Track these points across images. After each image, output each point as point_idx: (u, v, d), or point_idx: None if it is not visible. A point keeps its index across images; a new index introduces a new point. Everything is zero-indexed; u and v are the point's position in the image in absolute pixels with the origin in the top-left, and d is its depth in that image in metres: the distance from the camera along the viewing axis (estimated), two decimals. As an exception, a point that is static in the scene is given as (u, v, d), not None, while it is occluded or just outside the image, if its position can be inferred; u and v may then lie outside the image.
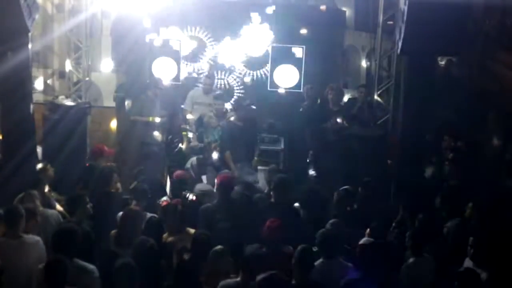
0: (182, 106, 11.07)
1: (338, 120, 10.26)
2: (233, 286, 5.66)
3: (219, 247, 6.07)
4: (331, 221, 6.73)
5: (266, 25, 11.47)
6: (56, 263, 5.35)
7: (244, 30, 11.55)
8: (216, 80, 11.75)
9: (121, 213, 7.24)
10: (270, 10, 11.48)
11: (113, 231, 6.70)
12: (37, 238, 6.18)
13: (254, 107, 10.42)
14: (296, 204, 7.58)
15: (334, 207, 7.58)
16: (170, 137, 10.14)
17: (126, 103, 11.02)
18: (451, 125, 10.17)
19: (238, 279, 5.68)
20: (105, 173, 8.22)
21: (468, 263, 6.06)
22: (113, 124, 11.52)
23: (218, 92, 11.01)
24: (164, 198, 7.98)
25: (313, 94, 11.02)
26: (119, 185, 8.30)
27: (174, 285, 5.67)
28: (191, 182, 8.48)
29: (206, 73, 11.46)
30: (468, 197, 7.37)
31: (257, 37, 11.52)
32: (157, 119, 10.15)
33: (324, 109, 10.74)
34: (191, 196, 7.38)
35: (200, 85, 11.37)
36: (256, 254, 5.88)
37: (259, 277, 5.37)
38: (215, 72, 11.72)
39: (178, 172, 8.58)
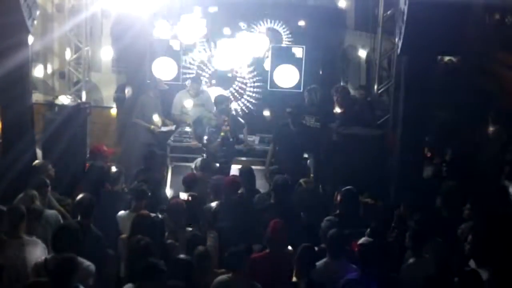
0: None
1: (337, 110, 10.26)
2: (226, 282, 5.73)
3: (201, 247, 6.09)
4: (326, 218, 6.73)
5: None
6: (67, 262, 5.36)
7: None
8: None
9: (121, 212, 7.29)
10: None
11: (123, 236, 6.69)
12: (38, 240, 6.18)
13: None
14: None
15: (336, 207, 7.57)
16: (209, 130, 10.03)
17: (126, 90, 11.03)
18: (450, 125, 10.17)
19: (230, 274, 5.74)
20: (104, 172, 8.25)
21: (472, 263, 6.05)
22: (113, 124, 11.53)
23: (220, 94, 10.98)
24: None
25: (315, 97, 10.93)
26: (122, 184, 8.30)
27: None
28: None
29: (193, 76, 11.37)
30: (468, 197, 7.36)
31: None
32: (161, 128, 10.15)
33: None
34: (186, 196, 7.42)
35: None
36: (239, 251, 5.89)
37: None
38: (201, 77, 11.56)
39: (188, 173, 8.58)
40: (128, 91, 11.18)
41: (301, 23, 11.89)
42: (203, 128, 9.90)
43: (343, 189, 7.67)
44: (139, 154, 9.88)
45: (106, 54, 12.08)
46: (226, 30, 11.60)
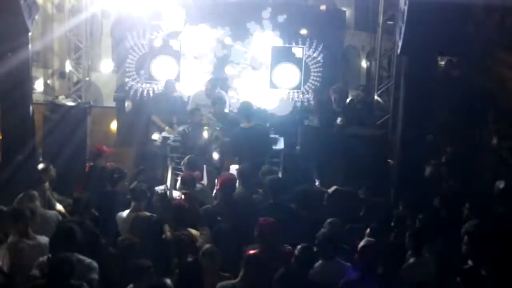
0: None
1: (338, 121, 10.27)
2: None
3: (208, 246, 6.08)
4: (328, 220, 6.73)
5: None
6: (63, 261, 5.35)
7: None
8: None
9: (122, 213, 7.28)
10: (266, 14, 11.32)
11: (121, 238, 6.68)
12: (47, 238, 6.18)
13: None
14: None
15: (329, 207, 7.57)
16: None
17: (126, 104, 11.02)
18: (450, 125, 10.19)
19: (236, 280, 5.67)
20: (104, 172, 8.25)
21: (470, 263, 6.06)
22: (113, 124, 11.53)
23: (219, 93, 11.00)
24: (161, 187, 7.98)
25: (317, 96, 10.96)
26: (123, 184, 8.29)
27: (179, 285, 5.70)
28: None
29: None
30: (467, 197, 7.37)
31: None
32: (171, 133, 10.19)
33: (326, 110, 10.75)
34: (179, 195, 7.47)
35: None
36: (257, 255, 5.87)
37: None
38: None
39: (186, 173, 8.59)
40: (128, 105, 11.16)
41: (301, 23, 11.89)
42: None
43: (332, 190, 7.68)
44: (139, 153, 9.90)
45: (106, 54, 12.11)
46: (227, 31, 11.59)
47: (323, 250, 6.12)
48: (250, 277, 5.59)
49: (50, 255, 5.73)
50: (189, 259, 5.82)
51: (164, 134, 10.27)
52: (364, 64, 12.43)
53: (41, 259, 5.79)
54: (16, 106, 8.07)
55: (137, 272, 5.46)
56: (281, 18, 11.03)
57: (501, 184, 7.79)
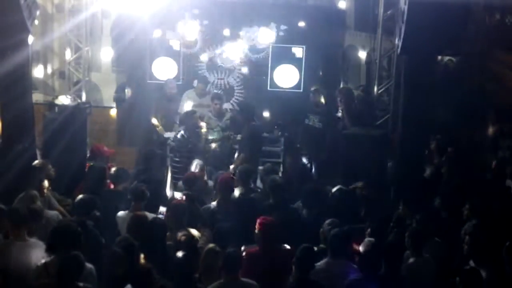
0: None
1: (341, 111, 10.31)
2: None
3: (212, 245, 6.08)
4: (327, 221, 6.72)
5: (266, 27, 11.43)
6: (72, 260, 5.36)
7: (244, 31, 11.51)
8: (216, 80, 11.72)
9: (121, 212, 7.28)
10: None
11: (119, 238, 6.67)
12: (41, 242, 6.15)
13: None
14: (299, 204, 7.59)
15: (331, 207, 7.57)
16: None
17: (126, 91, 11.05)
18: (450, 125, 10.19)
19: (222, 280, 5.69)
20: (104, 172, 8.25)
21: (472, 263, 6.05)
22: (113, 124, 11.53)
23: (216, 91, 11.01)
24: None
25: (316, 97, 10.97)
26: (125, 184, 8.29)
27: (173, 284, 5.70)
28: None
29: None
30: (467, 197, 7.36)
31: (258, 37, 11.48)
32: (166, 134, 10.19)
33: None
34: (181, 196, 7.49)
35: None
36: (235, 253, 5.87)
37: None
38: (208, 75, 11.64)
39: (188, 173, 8.58)
40: (128, 91, 11.17)
41: (301, 23, 11.90)
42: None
43: (335, 189, 7.67)
44: (139, 153, 9.89)
45: (106, 54, 12.09)
46: (226, 31, 11.60)
47: (335, 249, 6.11)
48: (228, 276, 5.63)
49: (45, 261, 5.71)
50: (179, 254, 5.83)
51: (167, 135, 10.30)
52: (364, 64, 12.42)
53: (39, 263, 5.77)
54: (16, 105, 8.06)
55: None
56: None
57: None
